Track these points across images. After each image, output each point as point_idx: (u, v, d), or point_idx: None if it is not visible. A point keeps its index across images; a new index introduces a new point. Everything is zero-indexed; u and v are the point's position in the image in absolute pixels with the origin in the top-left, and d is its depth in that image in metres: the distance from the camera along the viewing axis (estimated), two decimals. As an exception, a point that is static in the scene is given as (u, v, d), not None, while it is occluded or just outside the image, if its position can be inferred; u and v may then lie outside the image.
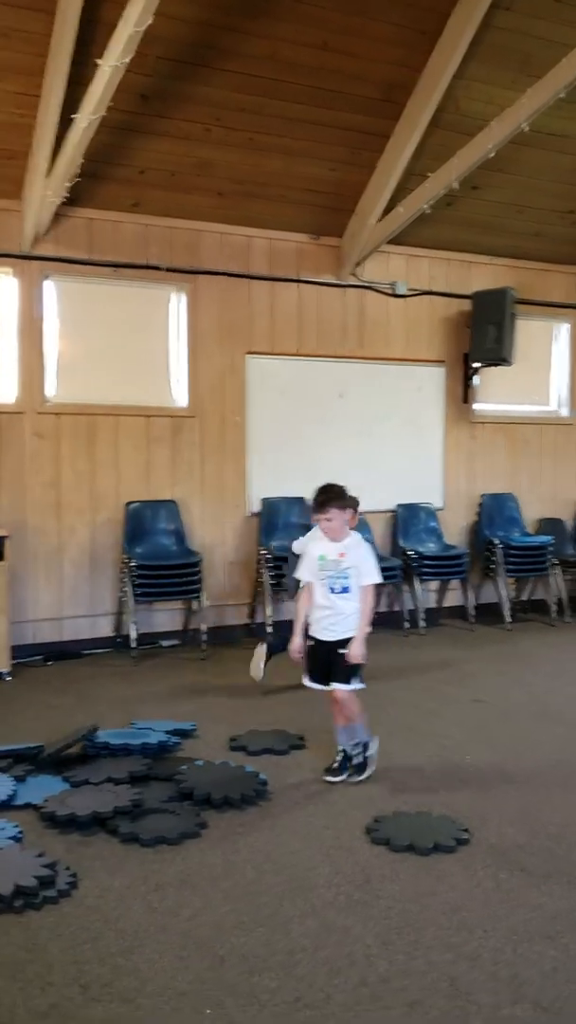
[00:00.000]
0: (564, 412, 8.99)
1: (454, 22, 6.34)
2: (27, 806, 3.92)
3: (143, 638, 6.85)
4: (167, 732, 4.77)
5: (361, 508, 7.79)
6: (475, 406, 8.46)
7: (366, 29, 6.28)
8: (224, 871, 3.33)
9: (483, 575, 8.20)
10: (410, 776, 4.33)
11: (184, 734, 4.88)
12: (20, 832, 3.61)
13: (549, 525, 8.60)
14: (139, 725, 4.94)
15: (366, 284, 7.92)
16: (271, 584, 7.19)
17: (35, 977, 2.67)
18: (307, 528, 7.67)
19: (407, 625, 7.62)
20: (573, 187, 8.05)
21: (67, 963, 2.74)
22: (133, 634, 6.74)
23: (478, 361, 8.07)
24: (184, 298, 7.31)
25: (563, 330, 8.96)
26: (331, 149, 7.03)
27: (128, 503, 7.08)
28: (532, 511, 8.67)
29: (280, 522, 7.54)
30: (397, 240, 7.73)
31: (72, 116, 5.63)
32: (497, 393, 8.59)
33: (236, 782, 4.09)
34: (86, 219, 6.93)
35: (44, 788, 4.08)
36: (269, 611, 7.16)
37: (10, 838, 3.55)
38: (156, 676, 6.28)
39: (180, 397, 7.35)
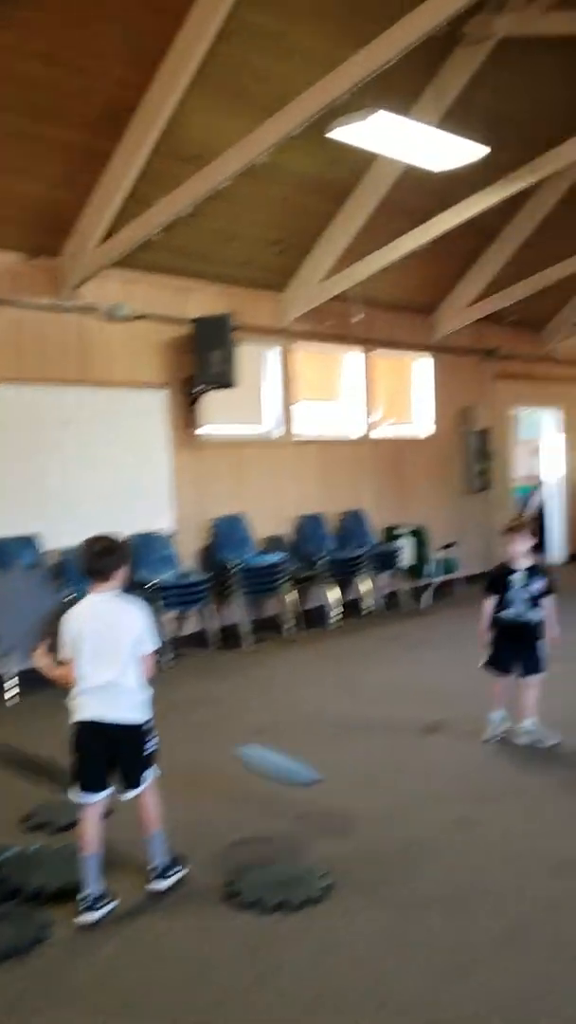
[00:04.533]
0: (277, 433, 9.29)
1: (178, 48, 6.29)
2: None
3: None
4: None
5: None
6: (199, 430, 8.46)
7: (90, 44, 6.04)
8: (99, 976, 2.99)
9: (221, 598, 8.22)
10: (231, 828, 4.20)
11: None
12: None
13: (274, 543, 8.84)
14: None
15: (86, 306, 7.59)
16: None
17: None
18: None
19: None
20: (279, 218, 8.35)
21: None
22: None
23: (204, 384, 8.06)
24: None
25: (272, 353, 9.25)
26: (49, 167, 6.66)
27: None
28: (257, 530, 8.84)
29: (8, 562, 6.98)
30: (116, 263, 7.49)
31: None
32: (217, 416, 8.65)
33: (61, 869, 3.70)
34: None
35: None
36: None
37: None
38: None
39: None
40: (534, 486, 14.13)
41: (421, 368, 11.14)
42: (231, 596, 8.14)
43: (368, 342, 10.16)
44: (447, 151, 7.05)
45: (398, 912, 3.36)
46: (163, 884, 3.52)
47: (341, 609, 9.01)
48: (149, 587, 7.48)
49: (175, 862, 3.61)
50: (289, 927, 3.26)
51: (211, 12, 6.11)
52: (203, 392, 8.23)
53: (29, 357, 7.25)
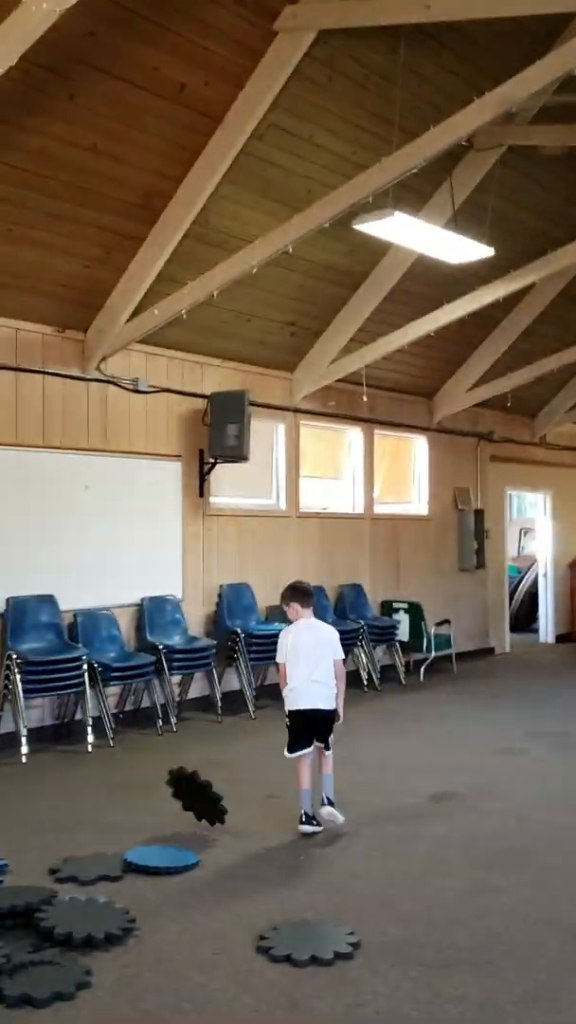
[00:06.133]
0: (283, 506, 9.58)
1: (214, 144, 6.74)
2: None
3: None
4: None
5: (104, 602, 7.76)
6: (210, 500, 8.72)
7: (134, 137, 6.47)
8: (145, 1020, 3.12)
9: (226, 663, 8.38)
10: (261, 885, 4.33)
11: (-3, 870, 4.43)
12: None
13: (277, 612, 9.03)
14: None
15: (109, 379, 7.91)
16: (23, 690, 6.75)
17: None
18: (55, 629, 7.37)
19: (160, 722, 7.54)
20: (294, 302, 8.78)
21: None
22: None
23: (218, 457, 8.36)
24: None
25: (280, 429, 9.59)
26: (86, 247, 7.03)
27: None
28: (261, 599, 9.04)
29: (28, 623, 7.13)
30: (138, 338, 7.84)
31: None
32: (227, 487, 8.94)
33: (102, 918, 3.83)
34: None
35: None
36: (23, 720, 6.70)
37: None
38: None
39: None
40: (527, 566, 14.46)
41: (419, 449, 11.52)
42: (236, 662, 8.31)
43: (370, 422, 10.55)
44: (458, 247, 7.51)
45: (425, 969, 3.50)
46: (330, 810, 5.06)
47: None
48: (159, 650, 7.65)
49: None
50: (323, 980, 3.40)
51: (247, 114, 6.58)
52: (216, 464, 8.53)
53: (54, 425, 7.53)
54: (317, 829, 4.99)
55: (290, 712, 5.10)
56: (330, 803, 5.08)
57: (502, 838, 5.06)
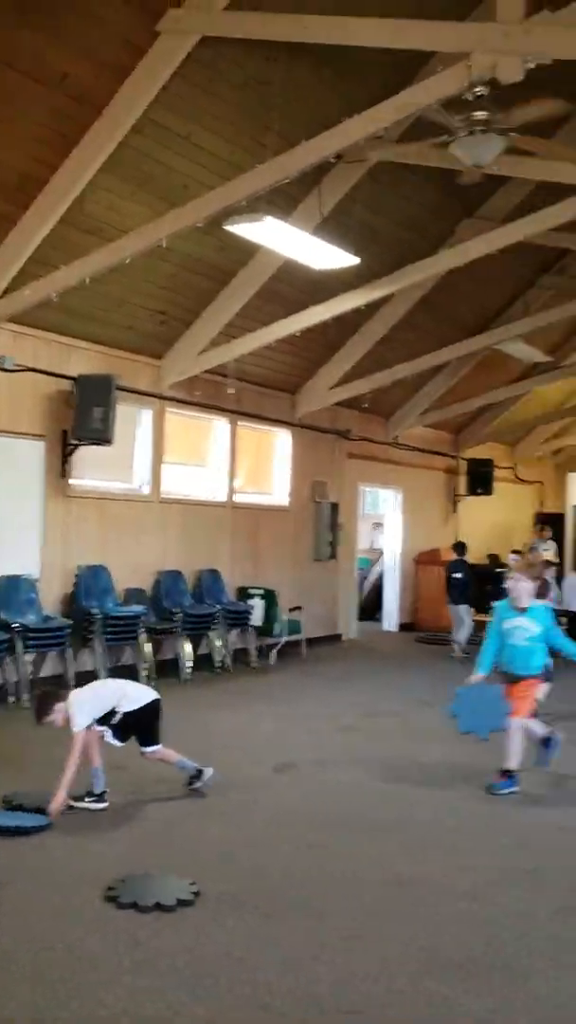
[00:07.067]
0: (145, 490, 9.79)
1: (93, 135, 6.89)
2: None
3: None
4: None
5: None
6: (71, 481, 8.84)
7: (13, 120, 6.56)
8: (6, 960, 3.36)
9: (81, 644, 8.54)
10: (108, 846, 4.61)
11: None
12: None
13: (135, 595, 9.26)
14: None
15: (-26, 356, 7.93)
16: None
17: None
18: None
19: (11, 699, 7.65)
20: (165, 291, 9.01)
21: None
22: None
23: (82, 439, 8.49)
24: None
25: (145, 415, 9.80)
26: (-41, 224, 7.06)
27: None
28: (119, 581, 9.24)
29: None
30: (7, 317, 7.90)
31: None
32: (90, 470, 9.08)
33: None
34: None
35: None
36: None
37: None
38: None
39: None
40: (374, 559, 15.16)
41: (281, 442, 11.95)
42: (90, 643, 8.48)
43: (236, 413, 10.89)
44: (324, 254, 7.94)
45: (259, 916, 3.87)
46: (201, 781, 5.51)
47: (192, 662, 9.48)
48: (12, 629, 7.74)
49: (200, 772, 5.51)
50: (166, 923, 3.72)
51: (127, 108, 6.77)
52: (79, 446, 8.65)
53: None
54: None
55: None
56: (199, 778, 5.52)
57: (334, 804, 5.50)
